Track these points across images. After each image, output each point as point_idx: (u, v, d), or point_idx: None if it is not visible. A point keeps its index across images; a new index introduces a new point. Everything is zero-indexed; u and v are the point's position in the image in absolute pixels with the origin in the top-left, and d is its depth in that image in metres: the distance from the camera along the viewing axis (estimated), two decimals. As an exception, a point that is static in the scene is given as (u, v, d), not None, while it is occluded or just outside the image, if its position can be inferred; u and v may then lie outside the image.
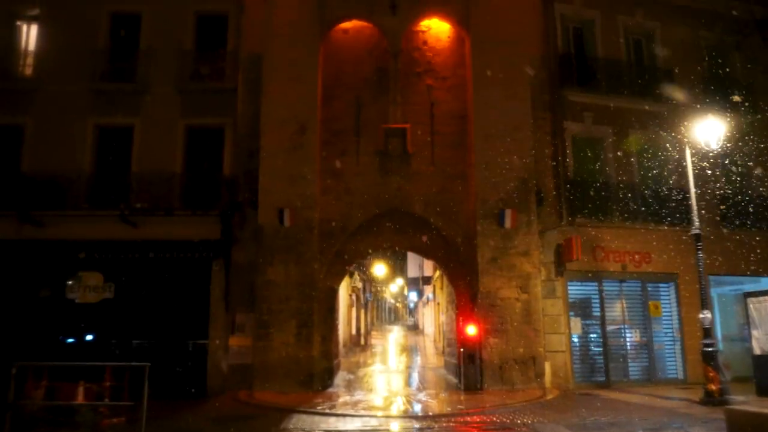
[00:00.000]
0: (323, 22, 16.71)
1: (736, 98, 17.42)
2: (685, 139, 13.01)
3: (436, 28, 17.46)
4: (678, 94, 17.44)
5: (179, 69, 17.09)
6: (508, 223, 15.25)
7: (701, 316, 12.29)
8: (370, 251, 17.46)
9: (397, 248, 16.73)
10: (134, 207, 15.67)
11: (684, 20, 18.85)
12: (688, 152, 12.79)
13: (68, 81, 16.69)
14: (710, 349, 12.13)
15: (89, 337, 15.78)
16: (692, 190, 12.70)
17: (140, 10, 17.71)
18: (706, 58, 18.99)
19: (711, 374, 11.89)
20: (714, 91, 17.93)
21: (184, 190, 16.21)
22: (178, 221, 15.76)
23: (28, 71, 17.38)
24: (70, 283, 15.82)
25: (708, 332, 12.39)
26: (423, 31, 17.47)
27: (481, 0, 16.73)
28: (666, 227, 16.55)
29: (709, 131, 12.19)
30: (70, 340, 15.76)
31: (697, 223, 12.62)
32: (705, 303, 12.48)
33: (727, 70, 18.92)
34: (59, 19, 17.42)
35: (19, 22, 17.72)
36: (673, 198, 16.59)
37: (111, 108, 16.77)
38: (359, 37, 17.43)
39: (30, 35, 17.69)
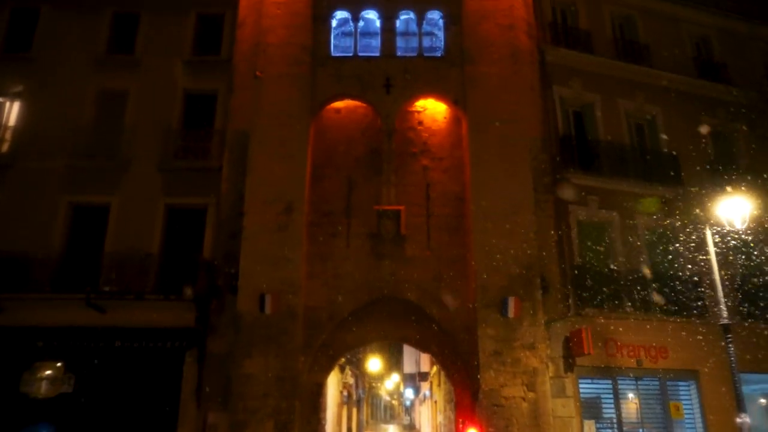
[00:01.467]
0: (315, 100, 16.18)
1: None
2: (706, 221, 11.98)
3: (432, 109, 16.94)
4: (685, 178, 16.75)
5: (163, 147, 16.39)
6: (511, 312, 13.89)
7: (739, 420, 10.73)
8: (359, 343, 15.94)
9: (389, 340, 15.29)
10: (102, 290, 14.36)
11: (685, 105, 18.47)
12: (709, 235, 11.72)
13: (45, 157, 15.94)
14: (750, 461, 10.49)
15: (41, 438, 13.95)
16: (716, 274, 11.50)
17: (128, 87, 17.28)
18: (711, 142, 18.38)
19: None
20: (721, 174, 17.14)
21: (160, 273, 14.98)
22: (150, 306, 14.41)
23: (5, 147, 16.57)
24: (24, 375, 14.17)
25: (746, 440, 10.78)
26: (418, 111, 16.93)
27: (478, 80, 16.31)
28: (682, 319, 15.19)
29: (732, 211, 11.18)
30: (20, 442, 13.93)
31: (725, 313, 11.33)
32: (741, 405, 10.94)
33: (734, 151, 18.31)
34: (43, 96, 16.93)
35: (1, 99, 17.16)
36: (689, 287, 15.36)
37: (88, 186, 15.90)
38: (352, 116, 16.87)
39: (11, 111, 17.07)
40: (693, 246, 15.20)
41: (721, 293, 11.39)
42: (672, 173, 16.90)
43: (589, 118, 17.73)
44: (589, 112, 17.77)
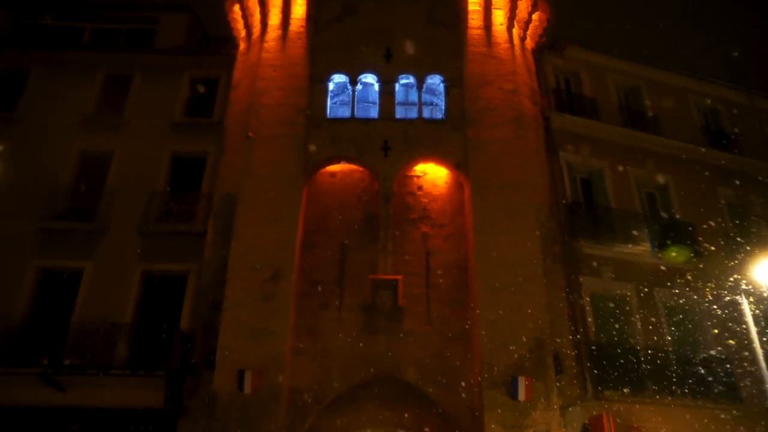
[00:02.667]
0: (309, 163, 15.28)
1: None
2: (738, 288, 10.72)
3: (433, 173, 16.01)
4: (703, 249, 15.63)
5: (146, 210, 15.37)
6: (522, 395, 12.29)
7: None
8: (350, 429, 14.14)
9: (384, 426, 13.58)
10: (62, 364, 12.81)
11: (697, 175, 17.65)
12: (746, 305, 10.42)
13: (18, 219, 14.84)
14: None
15: None
16: (758, 348, 10.07)
17: (113, 148, 16.52)
18: (727, 212, 17.37)
19: None
20: (741, 245, 16.00)
21: (131, 346, 13.48)
22: (117, 384, 12.85)
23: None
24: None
25: None
26: (418, 176, 15.98)
27: (480, 144, 15.49)
28: (712, 404, 13.55)
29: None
30: None
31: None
32: None
33: (752, 220, 17.27)
34: (23, 156, 16.08)
35: (-21, 159, 16.34)
36: (718, 366, 13.82)
37: (61, 249, 14.76)
38: (348, 180, 15.92)
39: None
40: (720, 319, 13.83)
41: (765, 370, 9.94)
42: (689, 242, 15.76)
43: (597, 186, 16.84)
44: (598, 179, 16.91)
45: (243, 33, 18.34)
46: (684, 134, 18.54)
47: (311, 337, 13.69)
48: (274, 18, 17.72)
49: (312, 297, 14.15)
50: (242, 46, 18.25)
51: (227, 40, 18.80)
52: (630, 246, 15.20)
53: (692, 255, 15.27)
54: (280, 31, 17.48)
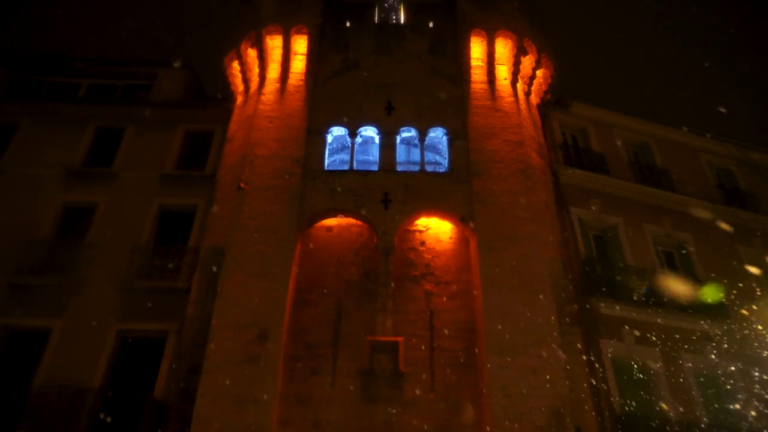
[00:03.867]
0: (303, 215, 14.30)
1: None
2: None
3: (436, 228, 14.98)
4: (730, 311, 14.35)
5: (127, 265, 14.24)
6: (541, 474, 10.71)
7: None
8: None
9: None
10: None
11: (718, 235, 16.58)
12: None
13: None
14: None
15: None
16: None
17: (98, 201, 15.61)
18: (751, 272, 16.15)
19: None
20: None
21: (96, 416, 11.90)
22: (77, 461, 11.25)
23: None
24: None
25: None
26: (420, 231, 14.96)
27: (487, 196, 14.55)
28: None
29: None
30: None
31: None
32: None
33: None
34: (2, 208, 15.16)
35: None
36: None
37: (29, 307, 13.50)
38: (345, 235, 14.89)
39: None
40: (756, 386, 12.36)
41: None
42: (715, 305, 14.48)
43: (612, 242, 15.76)
44: (612, 236, 15.85)
45: (241, 87, 17.88)
46: (698, 191, 17.67)
47: (301, 405, 12.19)
48: (273, 72, 17.29)
49: (303, 360, 12.76)
50: (239, 100, 17.73)
51: (224, 98, 18.29)
52: (652, 307, 13.93)
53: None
54: (278, 84, 16.99)
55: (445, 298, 13.85)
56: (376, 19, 18.91)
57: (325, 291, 13.87)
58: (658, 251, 16.03)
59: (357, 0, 19.31)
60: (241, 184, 14.67)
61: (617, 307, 13.69)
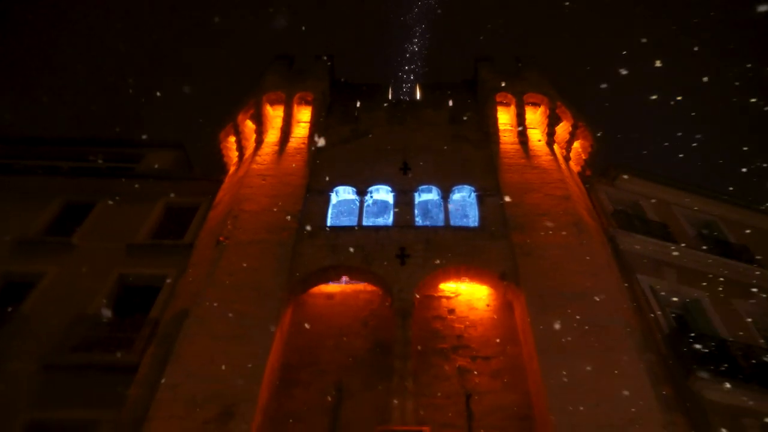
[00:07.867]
0: (296, 274, 11.06)
1: None
2: None
3: (468, 294, 11.56)
4: None
5: (63, 339, 10.78)
6: None
7: None
8: None
9: None
10: None
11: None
12: None
13: None
14: None
15: None
16: None
17: (44, 271, 12.56)
18: None
19: None
20: None
21: None
22: None
23: None
24: None
25: None
26: (448, 297, 11.53)
27: (533, 249, 11.36)
28: None
29: None
30: None
31: None
32: None
33: None
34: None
35: None
36: None
37: None
38: (349, 302, 11.51)
39: None
40: None
41: None
42: None
43: (700, 316, 12.05)
44: (696, 309, 12.20)
45: (235, 159, 15.68)
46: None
47: None
48: (272, 136, 15.20)
49: (286, 456, 8.73)
50: (232, 170, 15.43)
51: (212, 175, 15.98)
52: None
53: None
54: (276, 147, 14.80)
55: (486, 377, 10.02)
56: (389, 96, 17.25)
57: (322, 369, 10.19)
58: (759, 329, 12.25)
59: (368, 82, 17.88)
60: (221, 238, 11.69)
61: (729, 394, 9.69)
